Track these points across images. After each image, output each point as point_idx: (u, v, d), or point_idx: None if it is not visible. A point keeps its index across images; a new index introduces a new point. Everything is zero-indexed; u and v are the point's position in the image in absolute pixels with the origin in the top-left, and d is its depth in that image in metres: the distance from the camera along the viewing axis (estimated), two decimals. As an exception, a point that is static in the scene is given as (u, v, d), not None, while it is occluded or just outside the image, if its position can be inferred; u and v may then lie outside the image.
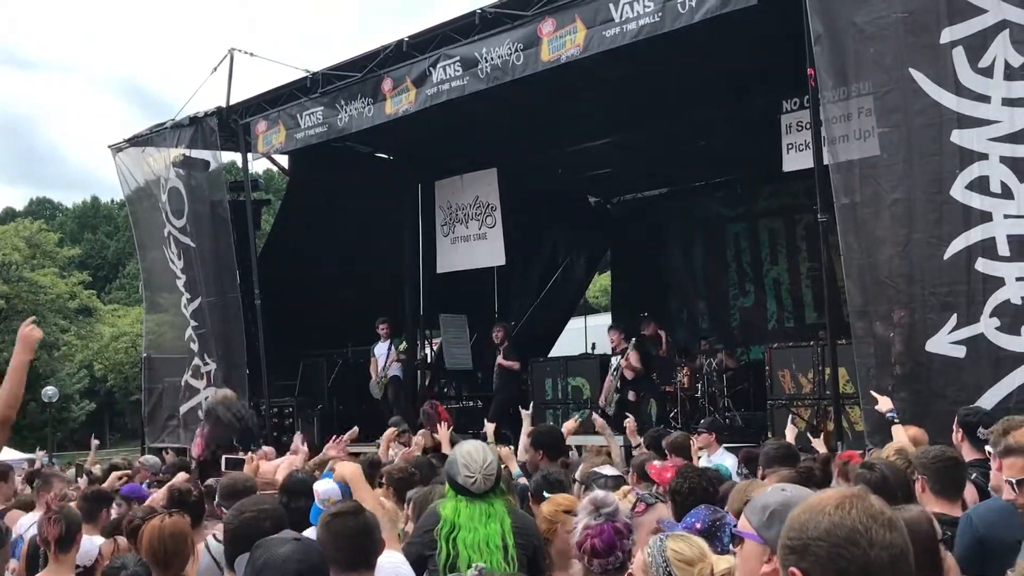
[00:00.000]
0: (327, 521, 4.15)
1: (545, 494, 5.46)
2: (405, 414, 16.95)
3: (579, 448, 11.64)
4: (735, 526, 2.78)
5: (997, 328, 8.54)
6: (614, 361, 15.08)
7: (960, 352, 8.72)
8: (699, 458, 9.47)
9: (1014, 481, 4.02)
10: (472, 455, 4.75)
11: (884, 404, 8.20)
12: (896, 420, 7.81)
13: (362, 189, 17.85)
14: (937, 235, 8.90)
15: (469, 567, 4.36)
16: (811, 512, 2.14)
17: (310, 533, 5.45)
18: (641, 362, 14.88)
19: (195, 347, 17.60)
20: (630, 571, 3.82)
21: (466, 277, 18.78)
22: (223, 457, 9.21)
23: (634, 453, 8.74)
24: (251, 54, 16.42)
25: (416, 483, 6.72)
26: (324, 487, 5.80)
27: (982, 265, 8.65)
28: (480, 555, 4.59)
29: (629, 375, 14.73)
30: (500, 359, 16.35)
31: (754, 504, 2.69)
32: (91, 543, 5.89)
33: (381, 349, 17.16)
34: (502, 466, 5.45)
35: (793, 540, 2.14)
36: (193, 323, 17.58)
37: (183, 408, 17.79)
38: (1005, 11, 8.57)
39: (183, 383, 17.79)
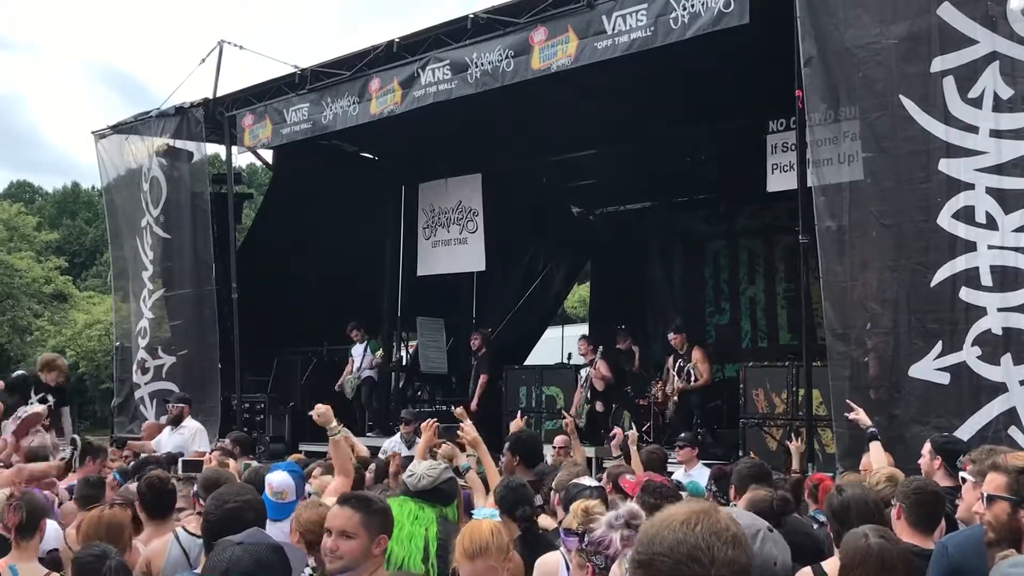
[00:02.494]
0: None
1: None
2: (377, 416, 16.93)
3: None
4: None
5: (979, 357, 8.62)
6: (583, 372, 15.10)
7: (944, 379, 8.79)
8: (672, 472, 9.48)
9: (986, 495, 4.02)
10: (424, 462, 4.88)
11: (863, 418, 8.19)
12: (877, 435, 7.82)
13: (346, 188, 17.78)
14: (924, 262, 8.95)
15: (388, 556, 4.48)
16: (659, 527, 2.17)
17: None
18: (611, 371, 14.90)
19: (143, 341, 17.52)
20: None
21: (445, 281, 18.76)
22: (180, 460, 9.16)
23: (605, 465, 8.72)
24: (240, 47, 16.39)
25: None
26: (278, 479, 5.76)
27: (965, 294, 8.72)
28: (402, 548, 4.66)
29: (599, 385, 14.73)
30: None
31: None
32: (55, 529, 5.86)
33: (357, 350, 17.13)
34: (454, 481, 5.42)
35: (640, 554, 2.17)
36: (150, 316, 17.47)
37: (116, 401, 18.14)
38: (996, 43, 8.63)
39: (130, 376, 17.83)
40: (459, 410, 9.56)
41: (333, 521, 4.27)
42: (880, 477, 5.97)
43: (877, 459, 7.15)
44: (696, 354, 14.03)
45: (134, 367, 17.68)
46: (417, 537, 4.72)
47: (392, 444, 12.67)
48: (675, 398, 14.08)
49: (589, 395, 14.82)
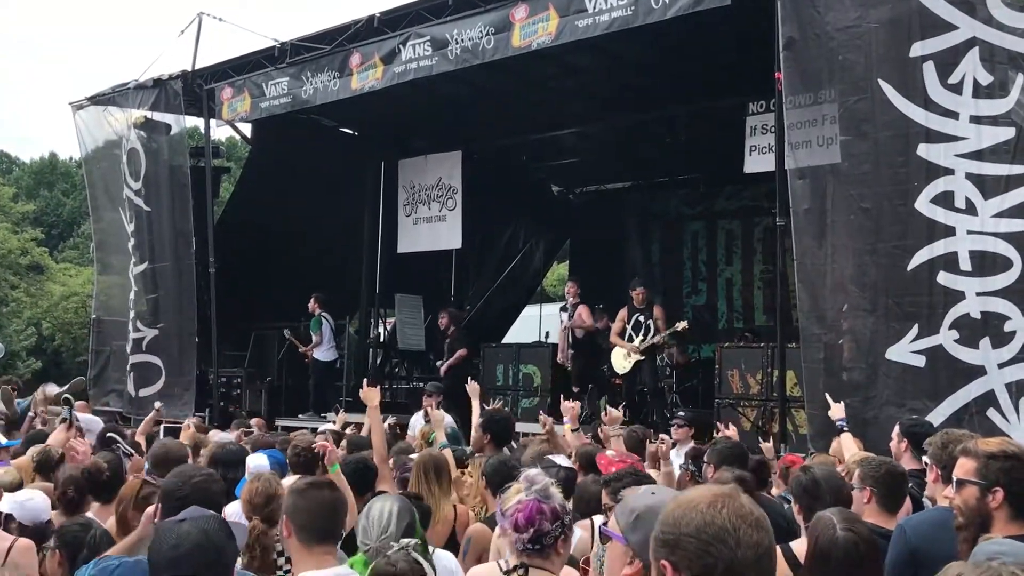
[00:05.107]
0: (302, 490, 4.11)
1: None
2: (325, 397, 16.77)
3: (525, 436, 11.65)
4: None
5: (956, 340, 8.67)
6: (564, 317, 15.11)
7: (920, 361, 8.84)
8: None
9: (955, 479, 4.06)
10: (376, 521, 4.36)
11: (836, 412, 8.23)
12: (846, 428, 7.88)
13: (325, 163, 17.68)
14: (901, 246, 8.99)
15: None
16: (685, 508, 2.25)
17: (234, 505, 5.50)
18: (592, 318, 14.93)
19: (132, 313, 17.49)
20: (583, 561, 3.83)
21: (424, 258, 18.71)
22: (161, 427, 9.10)
23: (568, 437, 8.74)
24: (220, 19, 16.28)
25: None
26: (256, 462, 5.78)
27: (944, 278, 8.76)
28: None
29: (579, 333, 14.76)
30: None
31: (623, 506, 2.84)
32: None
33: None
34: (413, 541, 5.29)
35: (666, 534, 2.25)
36: (135, 288, 17.42)
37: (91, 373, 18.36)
38: (975, 29, 8.64)
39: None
40: (473, 385, 9.66)
41: None
42: (851, 461, 6.00)
43: (848, 449, 7.21)
44: (657, 311, 13.88)
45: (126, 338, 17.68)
46: None
47: (416, 420, 12.59)
48: (640, 356, 13.85)
49: (571, 340, 14.81)
